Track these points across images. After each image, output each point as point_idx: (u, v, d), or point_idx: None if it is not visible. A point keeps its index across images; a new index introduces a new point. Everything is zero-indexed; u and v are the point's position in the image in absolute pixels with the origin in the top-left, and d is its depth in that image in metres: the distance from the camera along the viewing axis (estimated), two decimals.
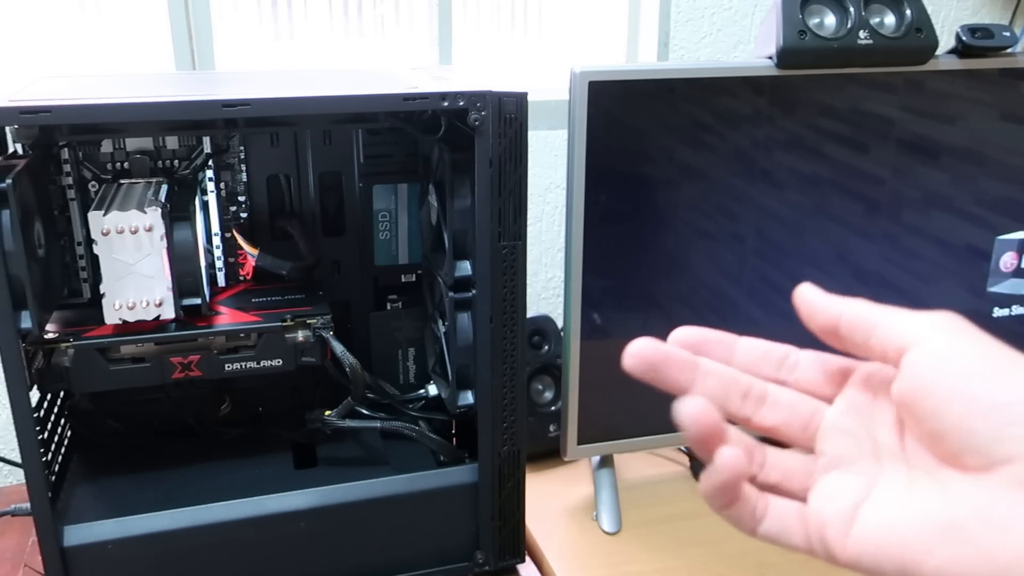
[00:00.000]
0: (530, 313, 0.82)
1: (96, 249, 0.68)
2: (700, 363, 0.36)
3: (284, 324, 0.75)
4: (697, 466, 1.00)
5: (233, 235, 0.84)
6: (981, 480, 0.30)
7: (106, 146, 0.78)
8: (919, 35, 0.84)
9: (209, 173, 0.82)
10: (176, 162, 0.80)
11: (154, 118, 0.68)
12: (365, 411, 0.84)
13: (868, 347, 0.34)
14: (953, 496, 0.30)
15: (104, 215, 0.68)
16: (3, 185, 0.62)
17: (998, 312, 0.97)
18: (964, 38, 0.86)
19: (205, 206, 0.82)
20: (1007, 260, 0.94)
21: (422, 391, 0.88)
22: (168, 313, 0.70)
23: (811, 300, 0.36)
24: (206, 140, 0.80)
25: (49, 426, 0.77)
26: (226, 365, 0.74)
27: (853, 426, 0.35)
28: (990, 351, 0.31)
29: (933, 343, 0.32)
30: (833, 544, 0.33)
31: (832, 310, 0.35)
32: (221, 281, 0.85)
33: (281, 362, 0.75)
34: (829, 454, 0.35)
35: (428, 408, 0.87)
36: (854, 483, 0.34)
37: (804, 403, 0.37)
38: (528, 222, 0.73)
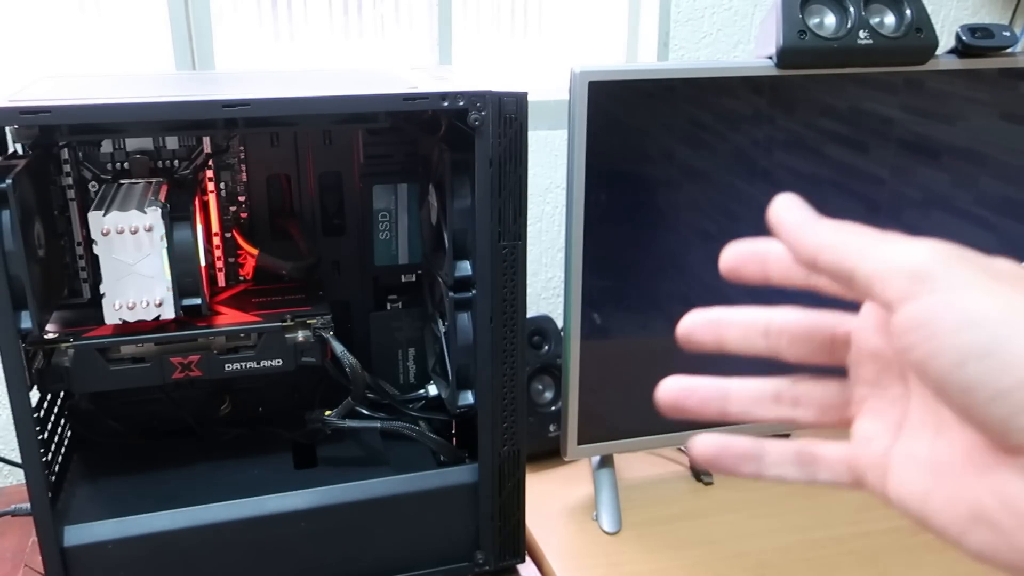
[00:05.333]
0: (530, 313, 0.82)
1: (96, 249, 0.68)
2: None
3: (284, 324, 0.75)
4: (697, 466, 1.00)
5: (233, 235, 0.84)
6: (1006, 460, 0.28)
7: (106, 146, 0.78)
8: (919, 35, 0.84)
9: (209, 173, 0.82)
10: (176, 162, 0.80)
11: (154, 118, 0.68)
12: (365, 411, 0.84)
13: (853, 291, 0.30)
14: (979, 475, 0.28)
15: (104, 215, 0.68)
16: (3, 185, 0.62)
17: None
18: (964, 38, 0.86)
19: (205, 206, 0.82)
20: None
21: (422, 391, 0.88)
22: (168, 313, 0.70)
23: (789, 224, 0.32)
24: (206, 140, 0.80)
25: (49, 426, 0.77)
26: (226, 365, 0.74)
27: (881, 346, 0.33)
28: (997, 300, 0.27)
29: (912, 312, 0.27)
30: (877, 492, 0.32)
31: (810, 243, 0.31)
32: (221, 281, 0.85)
33: (281, 362, 0.75)
34: (862, 379, 0.33)
35: (428, 408, 0.87)
36: (886, 422, 0.32)
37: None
38: (528, 222, 0.73)
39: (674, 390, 0.36)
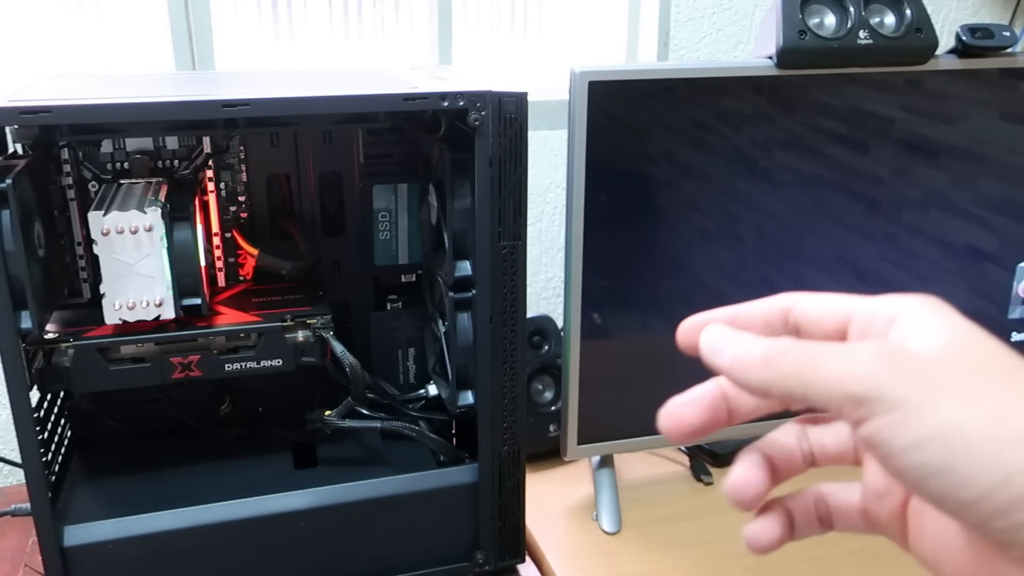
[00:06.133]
0: (530, 313, 0.82)
1: (96, 249, 0.68)
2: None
3: (284, 324, 0.75)
4: (698, 467, 1.00)
5: (233, 235, 0.84)
6: (999, 552, 0.27)
7: (106, 146, 0.78)
8: (919, 35, 0.84)
9: (209, 173, 0.82)
10: (176, 162, 0.80)
11: (154, 118, 0.68)
12: (365, 411, 0.84)
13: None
14: (982, 554, 0.28)
15: (104, 215, 0.68)
16: (3, 185, 0.62)
17: (1016, 336, 0.99)
18: (964, 38, 0.86)
19: (205, 206, 0.82)
20: None
21: (422, 391, 0.88)
22: (168, 313, 0.70)
23: (726, 366, 0.30)
24: (206, 140, 0.80)
25: (49, 426, 0.77)
26: (226, 365, 0.74)
27: None
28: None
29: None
30: (897, 543, 0.32)
31: (755, 381, 0.29)
32: (221, 281, 0.85)
33: (281, 362, 0.75)
34: None
35: (428, 408, 0.87)
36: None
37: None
38: (528, 222, 0.73)
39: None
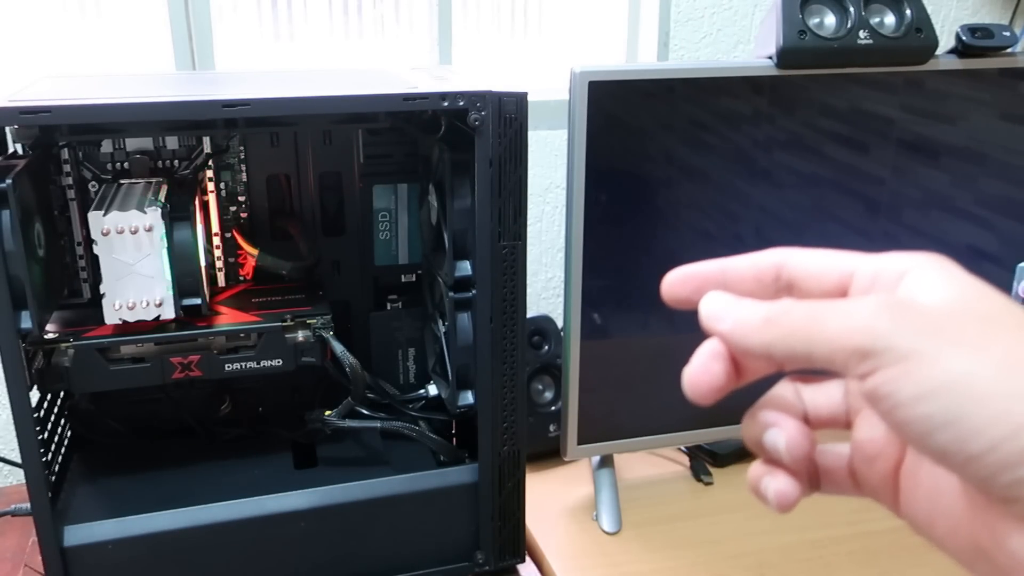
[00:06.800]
0: (530, 313, 0.82)
1: (96, 249, 0.68)
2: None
3: (284, 324, 0.75)
4: (698, 467, 1.00)
5: (233, 235, 0.84)
6: (996, 507, 0.27)
7: (106, 146, 0.78)
8: (919, 35, 0.84)
9: (209, 173, 0.82)
10: (176, 162, 0.80)
11: (154, 118, 0.68)
12: (365, 411, 0.84)
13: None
14: (976, 511, 0.28)
15: (104, 215, 0.68)
16: (3, 185, 0.62)
17: None
18: (964, 38, 0.86)
19: (205, 206, 0.82)
20: None
21: (422, 391, 0.88)
22: (168, 313, 0.70)
23: (727, 333, 0.30)
24: (206, 140, 0.80)
25: (49, 426, 0.77)
26: (226, 365, 0.74)
27: None
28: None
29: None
30: (888, 507, 0.31)
31: (756, 344, 0.29)
32: (221, 281, 0.85)
33: (281, 362, 0.75)
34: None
35: (428, 408, 0.87)
36: (887, 435, 0.31)
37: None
38: (528, 222, 0.73)
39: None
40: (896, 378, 0.26)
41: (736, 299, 0.31)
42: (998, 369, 0.25)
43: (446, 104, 0.68)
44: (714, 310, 0.31)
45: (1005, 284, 0.97)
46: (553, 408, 1.00)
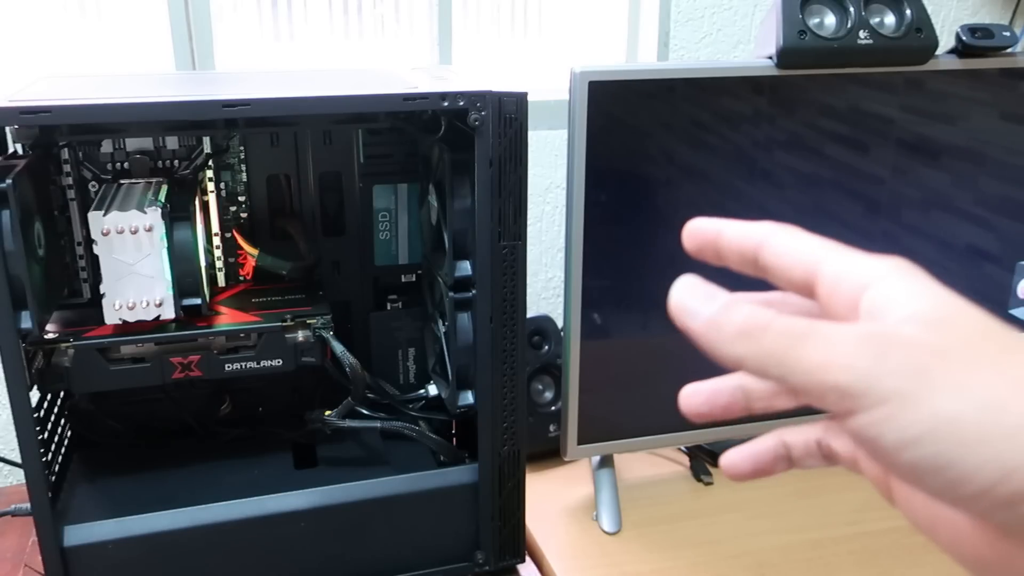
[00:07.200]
0: (530, 313, 0.82)
1: (96, 249, 0.68)
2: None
3: (284, 324, 0.75)
4: (698, 467, 1.00)
5: (233, 235, 0.84)
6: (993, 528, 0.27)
7: (106, 146, 0.78)
8: (919, 35, 0.84)
9: (209, 173, 0.82)
10: (176, 162, 0.80)
11: (154, 118, 0.68)
12: (365, 411, 0.84)
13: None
14: (975, 522, 0.27)
15: (104, 215, 0.68)
16: (3, 185, 0.62)
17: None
18: (964, 38, 0.86)
19: (205, 206, 0.82)
20: None
21: (422, 391, 0.88)
22: (168, 313, 0.70)
23: (705, 340, 0.28)
24: (206, 140, 0.80)
25: (49, 426, 0.77)
26: (226, 365, 0.74)
27: None
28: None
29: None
30: (887, 500, 0.30)
31: (731, 356, 0.27)
32: (221, 281, 0.84)
33: (281, 362, 0.75)
34: None
35: (428, 408, 0.87)
36: None
37: None
38: (528, 222, 0.73)
39: (698, 401, 0.32)
40: (878, 423, 0.24)
41: (710, 293, 0.28)
42: (983, 410, 0.24)
43: (446, 104, 0.68)
44: (687, 303, 0.28)
45: (1005, 284, 0.97)
46: (553, 408, 1.00)
